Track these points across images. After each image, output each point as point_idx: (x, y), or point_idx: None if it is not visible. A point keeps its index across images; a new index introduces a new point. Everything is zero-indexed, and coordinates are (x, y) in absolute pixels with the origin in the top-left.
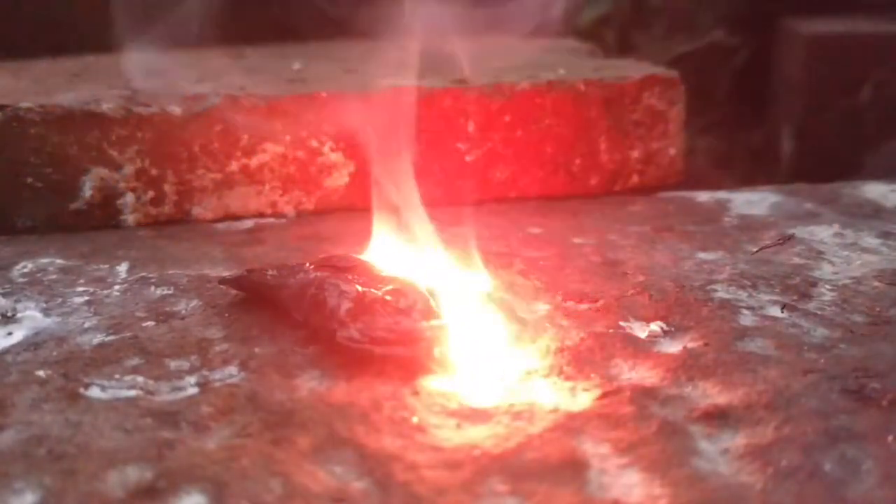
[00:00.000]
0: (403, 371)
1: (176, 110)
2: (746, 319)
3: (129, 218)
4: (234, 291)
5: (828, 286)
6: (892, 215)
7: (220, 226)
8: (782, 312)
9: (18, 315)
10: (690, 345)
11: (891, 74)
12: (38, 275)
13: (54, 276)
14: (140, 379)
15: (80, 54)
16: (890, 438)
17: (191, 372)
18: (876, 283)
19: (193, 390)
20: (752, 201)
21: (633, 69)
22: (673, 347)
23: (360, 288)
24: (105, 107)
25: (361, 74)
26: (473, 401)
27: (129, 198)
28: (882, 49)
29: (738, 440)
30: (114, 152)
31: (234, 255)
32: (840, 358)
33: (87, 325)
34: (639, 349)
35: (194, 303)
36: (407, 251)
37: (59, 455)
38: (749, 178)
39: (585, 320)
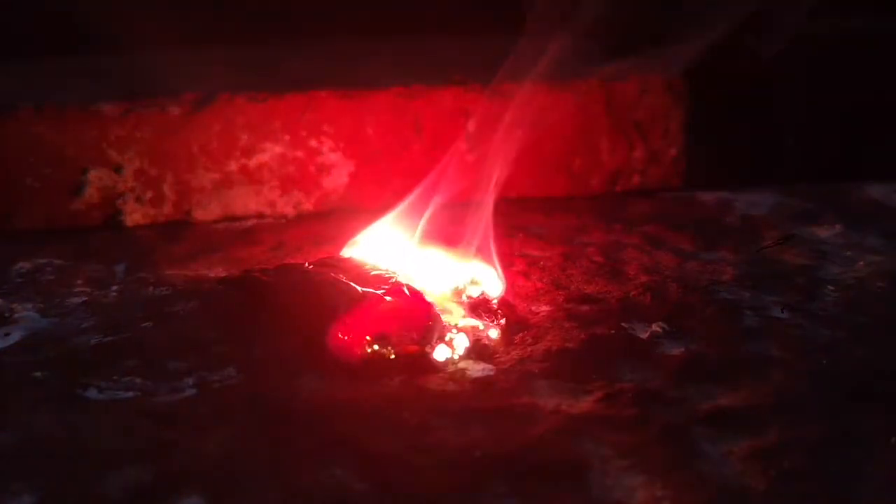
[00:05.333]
0: (404, 371)
1: (175, 110)
2: (750, 320)
3: (128, 218)
4: (233, 291)
5: (831, 287)
6: (895, 215)
7: (218, 226)
8: (782, 313)
9: (16, 315)
10: (693, 346)
11: (891, 74)
12: (36, 275)
13: (52, 277)
14: (138, 380)
15: (80, 54)
16: (894, 440)
17: (189, 373)
18: (880, 284)
19: (192, 391)
20: (755, 201)
21: (633, 69)
22: (675, 349)
23: (359, 288)
24: (104, 107)
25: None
26: (474, 401)
27: (128, 198)
28: (882, 49)
29: (741, 442)
30: (113, 152)
31: (232, 256)
32: (844, 359)
33: (84, 325)
34: (641, 350)
35: (193, 303)
36: (405, 251)
37: (57, 456)
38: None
39: (587, 321)
